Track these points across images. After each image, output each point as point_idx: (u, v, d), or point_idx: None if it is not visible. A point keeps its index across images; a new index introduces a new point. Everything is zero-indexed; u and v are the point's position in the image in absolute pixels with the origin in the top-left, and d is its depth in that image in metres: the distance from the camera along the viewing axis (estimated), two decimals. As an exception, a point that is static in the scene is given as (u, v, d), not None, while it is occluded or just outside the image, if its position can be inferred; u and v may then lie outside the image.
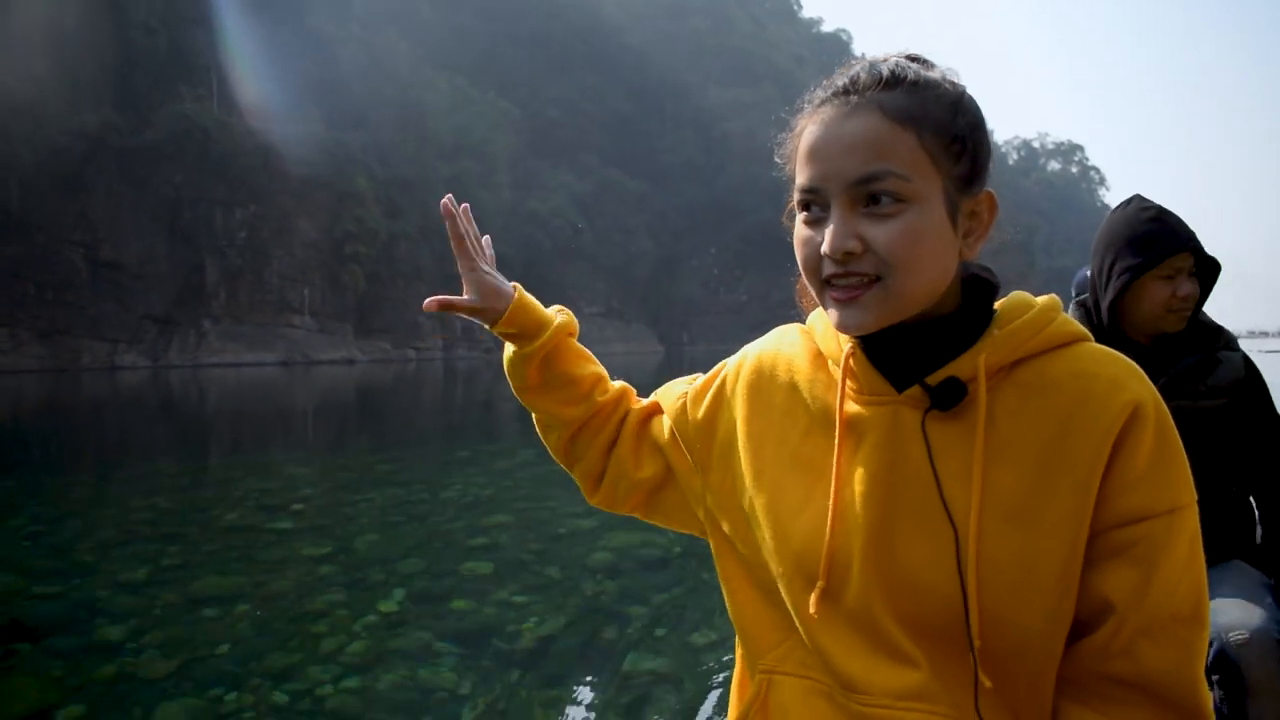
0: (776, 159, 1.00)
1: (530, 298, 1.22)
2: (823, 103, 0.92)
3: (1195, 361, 2.08)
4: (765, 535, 1.00)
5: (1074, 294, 3.45)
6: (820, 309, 1.01)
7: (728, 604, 1.09)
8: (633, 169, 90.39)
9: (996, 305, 0.96)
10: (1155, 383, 1.90)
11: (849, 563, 0.93)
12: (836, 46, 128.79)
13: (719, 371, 1.14)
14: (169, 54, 57.99)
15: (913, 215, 0.87)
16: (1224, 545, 2.05)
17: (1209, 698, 0.86)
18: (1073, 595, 0.87)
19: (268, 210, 58.50)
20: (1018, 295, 0.96)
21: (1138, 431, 0.86)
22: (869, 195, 0.87)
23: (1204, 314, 2.17)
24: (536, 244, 75.28)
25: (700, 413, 1.12)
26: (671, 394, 1.20)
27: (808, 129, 0.93)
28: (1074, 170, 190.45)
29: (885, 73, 0.90)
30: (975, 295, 0.96)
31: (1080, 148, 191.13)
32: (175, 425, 18.84)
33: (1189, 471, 0.87)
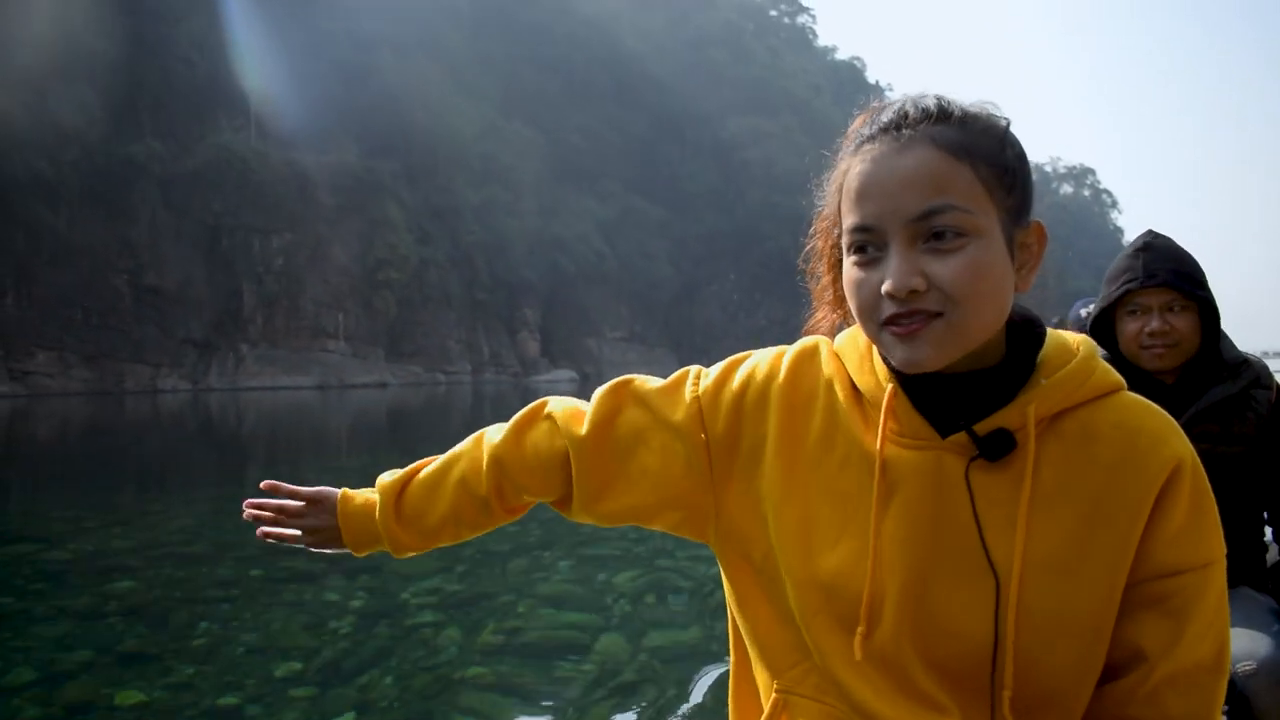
0: (816, 200, 1.00)
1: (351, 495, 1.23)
2: (868, 140, 0.90)
3: (1216, 403, 2.03)
4: (791, 561, 0.97)
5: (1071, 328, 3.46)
6: (848, 337, 1.02)
7: (739, 619, 1.07)
8: (654, 196, 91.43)
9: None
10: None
11: (881, 604, 0.91)
12: (851, 75, 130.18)
13: (731, 374, 1.07)
14: (208, 84, 59.34)
15: (975, 249, 0.85)
16: (1232, 571, 2.30)
17: None
18: (1105, 644, 0.89)
19: (303, 237, 59.60)
20: (1056, 339, 0.96)
21: (1178, 488, 0.87)
22: (931, 231, 0.85)
23: (1227, 348, 2.09)
24: (561, 269, 76.15)
25: (720, 421, 1.04)
26: (663, 402, 1.09)
27: (854, 168, 0.90)
28: (1086, 194, 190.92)
29: (933, 107, 0.89)
30: (1020, 341, 0.95)
31: (1092, 171, 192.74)
32: (213, 447, 19.80)
33: (1220, 527, 0.90)
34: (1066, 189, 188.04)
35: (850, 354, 1.00)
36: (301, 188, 59.75)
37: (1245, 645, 1.78)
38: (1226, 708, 1.71)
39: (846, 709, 0.94)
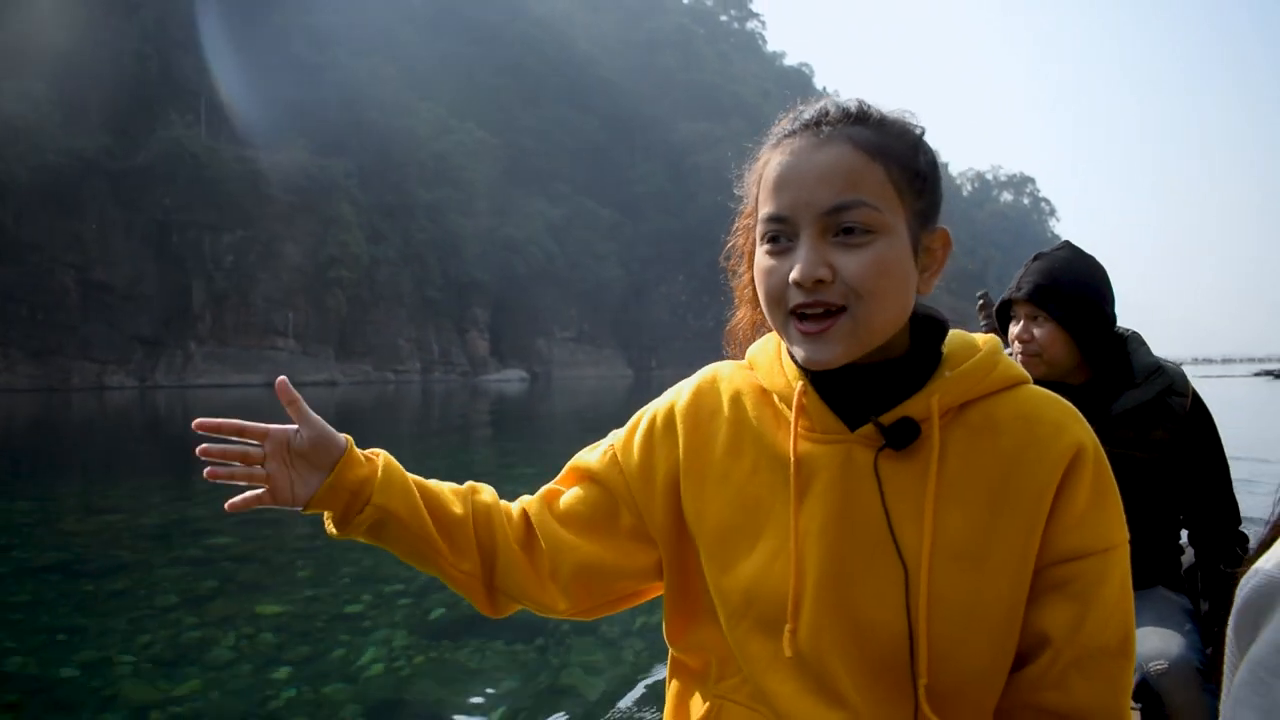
0: (736, 191, 1.02)
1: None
2: (789, 135, 0.93)
3: (1130, 409, 2.05)
4: (713, 573, 1.00)
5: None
6: (760, 345, 1.06)
7: (674, 632, 1.08)
8: (604, 198, 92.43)
9: (944, 346, 0.98)
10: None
11: (801, 601, 0.93)
12: (800, 80, 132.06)
13: (641, 416, 1.10)
14: (160, 80, 59.03)
15: (882, 246, 0.88)
16: (1148, 571, 2.05)
17: None
18: (1016, 632, 0.90)
19: (254, 234, 59.63)
20: (961, 335, 0.99)
21: (1079, 473, 0.90)
22: (841, 225, 0.88)
23: (1141, 355, 2.11)
24: (512, 269, 76.81)
25: (634, 459, 1.07)
26: (590, 457, 1.12)
27: (774, 160, 0.93)
28: (1025, 202, 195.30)
29: (853, 109, 0.92)
30: (925, 335, 0.97)
31: (1031, 179, 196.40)
32: (159, 444, 19.60)
33: (1123, 512, 0.92)
34: (1007, 196, 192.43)
35: (761, 360, 1.04)
36: (253, 185, 59.71)
37: (1158, 645, 1.80)
38: (1139, 705, 1.76)
39: (774, 717, 0.95)
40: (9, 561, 6.96)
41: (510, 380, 71.60)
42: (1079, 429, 0.92)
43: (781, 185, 0.91)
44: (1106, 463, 0.92)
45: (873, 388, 0.94)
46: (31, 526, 8.56)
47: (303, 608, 5.45)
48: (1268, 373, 67.41)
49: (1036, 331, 2.06)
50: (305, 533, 7.50)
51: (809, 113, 0.94)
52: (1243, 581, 0.66)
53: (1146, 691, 1.76)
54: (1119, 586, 0.90)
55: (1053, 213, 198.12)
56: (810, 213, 0.89)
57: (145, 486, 10.75)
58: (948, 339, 0.98)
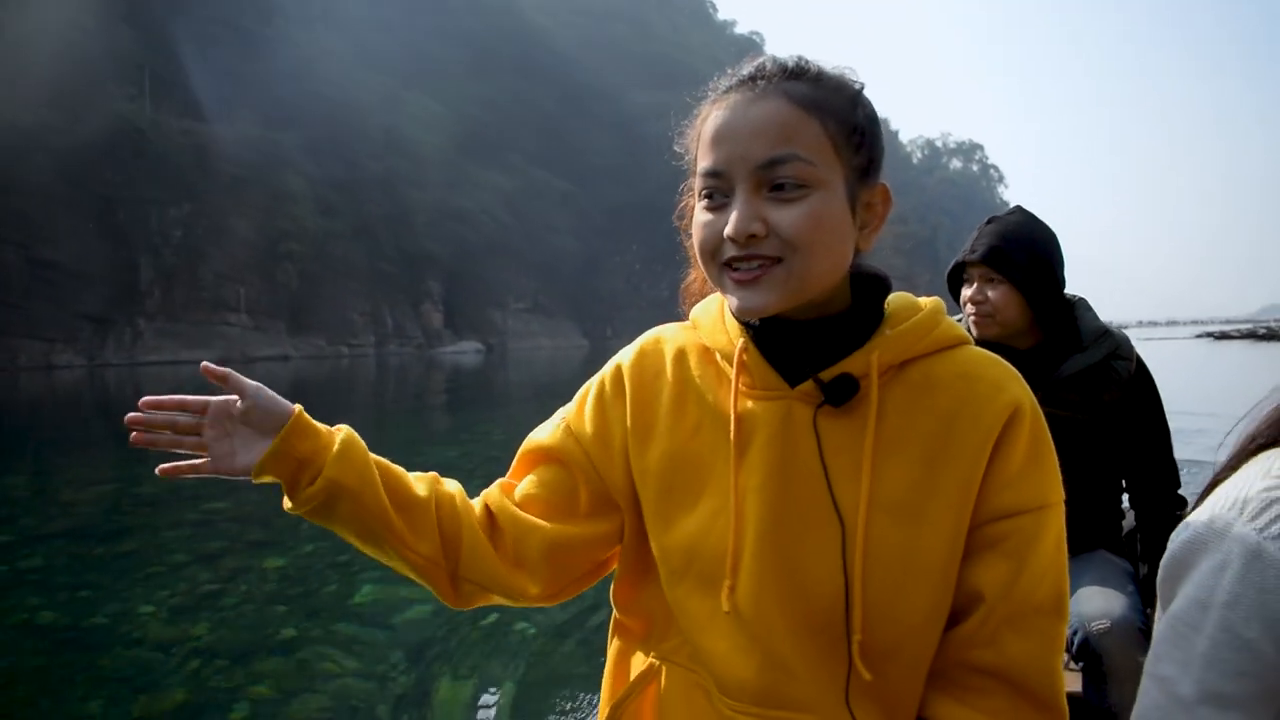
0: (677, 148, 1.02)
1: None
2: (727, 90, 0.93)
3: (1076, 372, 2.07)
4: (656, 531, 1.01)
5: None
6: (703, 304, 1.07)
7: (621, 590, 1.10)
8: (557, 169, 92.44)
9: (886, 306, 0.98)
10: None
11: (741, 558, 0.93)
12: (751, 49, 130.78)
13: (590, 385, 1.10)
14: (102, 53, 57.85)
15: (816, 200, 0.88)
16: (1090, 535, 2.09)
17: (1064, 687, 0.91)
18: (952, 588, 0.91)
19: (202, 209, 58.85)
20: (904, 296, 1.00)
21: (1016, 432, 0.90)
22: (774, 180, 0.88)
23: (1089, 320, 2.14)
24: (465, 241, 76.68)
25: (588, 427, 1.06)
26: (541, 436, 1.11)
27: (712, 115, 0.93)
28: (975, 169, 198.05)
29: (790, 64, 0.92)
30: (867, 293, 0.98)
31: (980, 146, 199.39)
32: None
33: (1059, 471, 0.92)
34: (956, 164, 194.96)
35: (704, 319, 1.04)
36: (200, 159, 58.91)
37: (1100, 605, 1.83)
38: (1081, 664, 1.80)
39: (710, 679, 0.96)
40: (16, 529, 7.44)
41: (466, 352, 71.67)
42: (1017, 388, 0.93)
43: (717, 140, 0.91)
44: (1044, 423, 0.93)
45: (814, 344, 0.95)
46: (29, 498, 9.00)
47: (305, 561, 6.02)
48: (1208, 334, 72.61)
49: (991, 293, 2.10)
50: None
51: (747, 68, 0.94)
52: (1173, 536, 0.66)
53: (1088, 650, 1.78)
54: (1053, 545, 0.90)
55: (1001, 179, 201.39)
56: (744, 167, 0.89)
57: (128, 458, 11.17)
58: (891, 299, 0.99)
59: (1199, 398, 12.41)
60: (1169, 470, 2.13)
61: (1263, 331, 67.17)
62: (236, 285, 60.29)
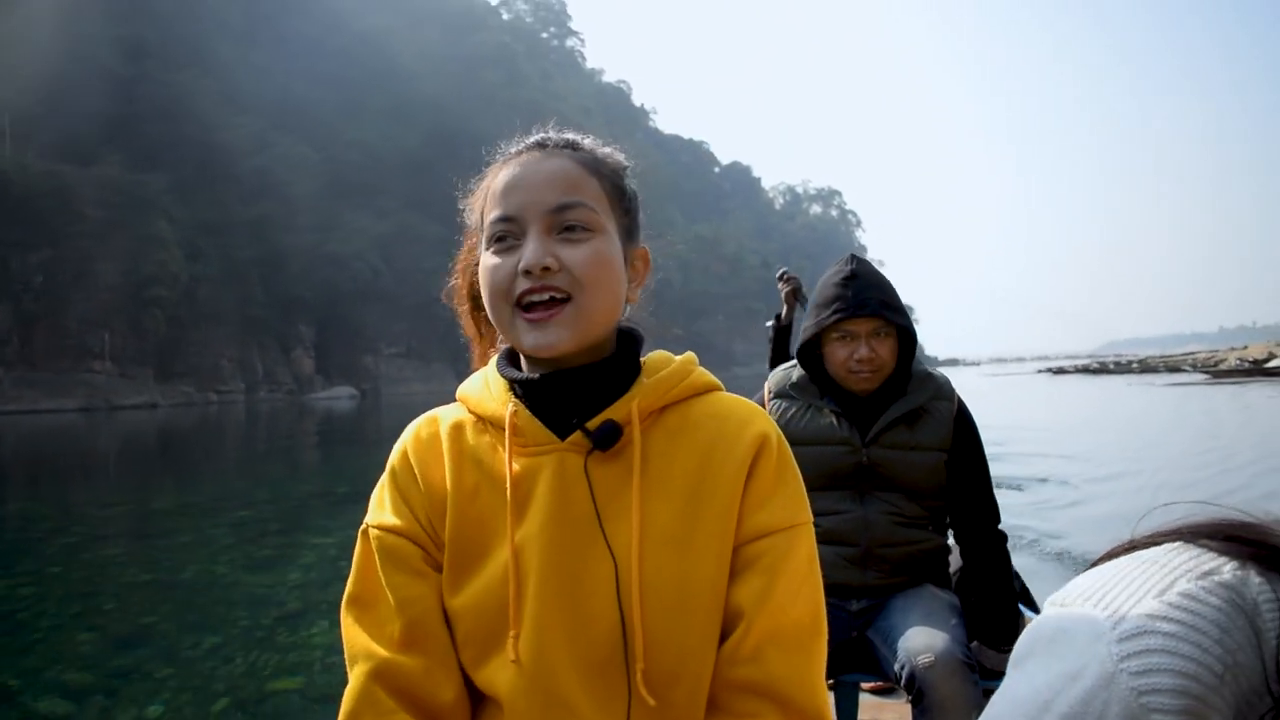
0: (458, 221, 1.11)
1: None
2: (518, 152, 1.04)
3: (901, 415, 2.14)
4: (448, 601, 1.02)
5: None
6: (467, 382, 1.10)
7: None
8: (430, 212, 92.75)
9: (642, 359, 1.07)
10: (866, 434, 2.15)
11: (522, 608, 0.96)
12: (618, 98, 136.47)
13: (382, 484, 1.09)
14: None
15: (601, 243, 0.98)
16: (917, 570, 2.17)
17: (828, 702, 0.96)
18: (722, 609, 0.97)
19: (65, 253, 57.17)
20: (661, 353, 1.09)
21: (764, 460, 1.00)
22: (564, 223, 0.97)
23: (916, 365, 2.20)
24: (337, 286, 76.05)
25: (399, 521, 1.04)
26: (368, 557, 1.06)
27: (503, 171, 1.01)
28: (834, 214, 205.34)
29: (571, 136, 1.05)
30: (626, 346, 1.06)
31: (839, 193, 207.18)
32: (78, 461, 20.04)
33: (805, 494, 1.02)
34: (816, 209, 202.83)
35: (470, 392, 1.08)
36: (63, 201, 57.26)
37: (925, 640, 1.87)
38: (909, 698, 1.87)
39: None
40: (73, 535, 8.56)
41: (339, 398, 70.97)
42: (763, 422, 1.03)
43: (510, 190, 0.99)
44: (788, 450, 1.03)
45: (579, 395, 1.01)
46: (57, 518, 9.63)
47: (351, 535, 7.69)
48: (1048, 369, 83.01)
49: (878, 347, 2.13)
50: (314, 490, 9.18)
51: (533, 137, 1.06)
52: (1049, 601, 0.65)
53: (914, 684, 1.83)
54: (805, 561, 0.98)
55: (859, 224, 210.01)
56: (537, 210, 0.98)
57: (121, 487, 12.10)
58: (650, 355, 1.09)
59: (1030, 418, 14.78)
60: (989, 507, 2.19)
61: (1095, 366, 77.39)
62: (101, 331, 58.55)
